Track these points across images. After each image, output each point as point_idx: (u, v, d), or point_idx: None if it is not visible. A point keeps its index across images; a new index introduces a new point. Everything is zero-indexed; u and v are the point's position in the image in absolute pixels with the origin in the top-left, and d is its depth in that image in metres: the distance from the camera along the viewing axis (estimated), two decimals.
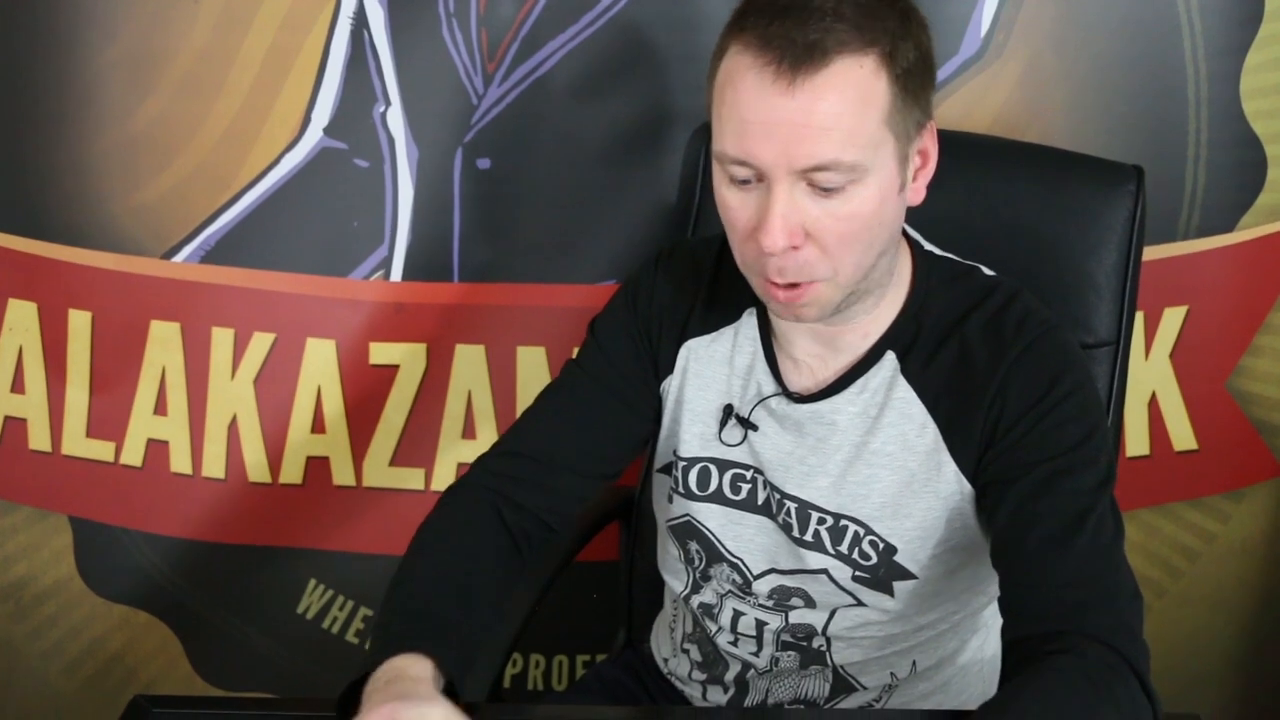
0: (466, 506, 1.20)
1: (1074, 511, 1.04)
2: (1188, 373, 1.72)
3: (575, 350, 1.29)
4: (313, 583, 1.82)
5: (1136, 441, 1.74)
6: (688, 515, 1.25)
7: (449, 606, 1.09)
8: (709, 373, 1.23)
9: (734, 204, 1.07)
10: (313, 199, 1.67)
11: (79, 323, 1.72)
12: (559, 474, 1.22)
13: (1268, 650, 1.88)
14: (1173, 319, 1.70)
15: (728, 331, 1.22)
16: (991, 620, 1.26)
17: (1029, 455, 1.08)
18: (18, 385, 1.76)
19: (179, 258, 1.69)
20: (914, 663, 1.25)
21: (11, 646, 1.86)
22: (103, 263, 1.70)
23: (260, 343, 1.72)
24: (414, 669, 1.01)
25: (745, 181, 1.05)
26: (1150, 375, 1.71)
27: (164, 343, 1.72)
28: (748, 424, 1.20)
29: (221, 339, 1.72)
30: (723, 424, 1.22)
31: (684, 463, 1.24)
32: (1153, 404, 1.73)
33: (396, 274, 1.69)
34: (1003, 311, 1.13)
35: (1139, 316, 1.52)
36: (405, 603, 1.10)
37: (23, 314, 1.73)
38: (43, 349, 1.74)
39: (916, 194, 1.11)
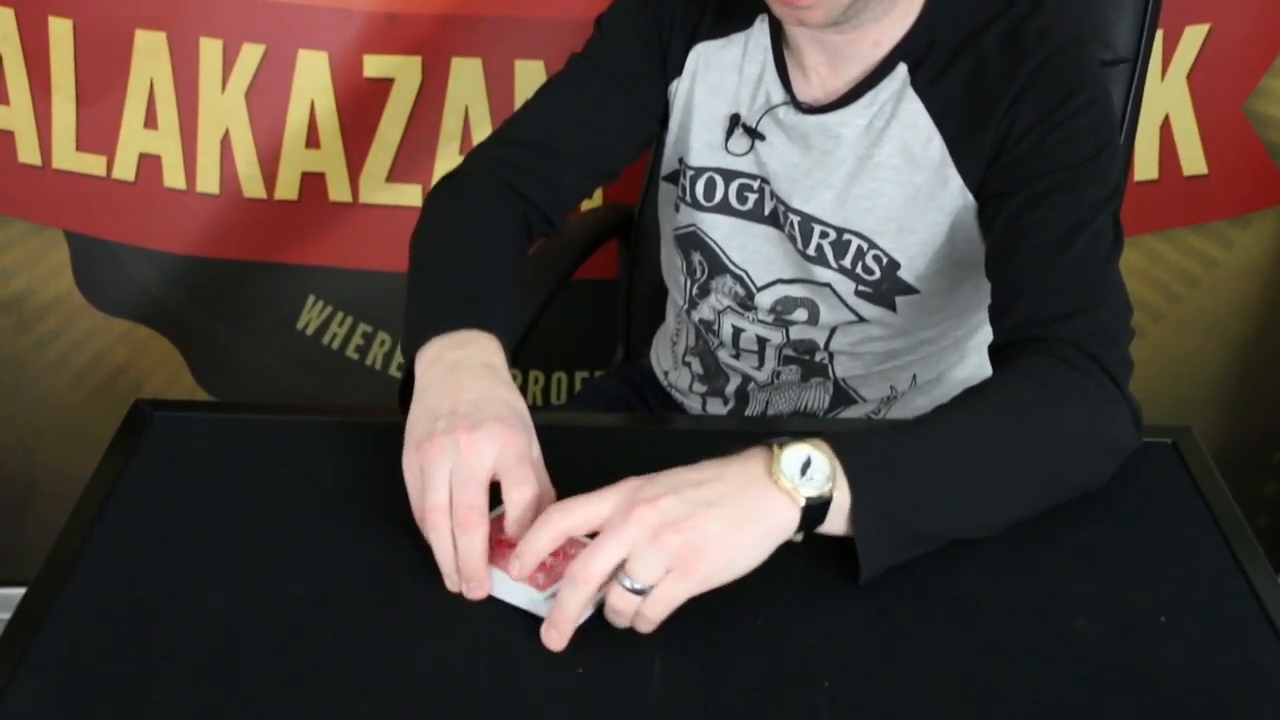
0: (479, 190, 1.16)
1: (1070, 224, 1.02)
2: (1204, 94, 1.68)
3: None
4: (311, 298, 1.82)
5: (1145, 165, 1.71)
6: (693, 225, 1.23)
7: (490, 287, 1.06)
8: (717, 79, 1.19)
9: None
10: None
11: (60, 30, 1.66)
12: (563, 166, 1.19)
13: (1260, 373, 1.91)
14: (1193, 38, 1.64)
15: (739, 38, 1.18)
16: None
17: (1033, 168, 1.05)
18: (1, 96, 1.71)
19: None
20: (914, 376, 1.26)
21: (16, 359, 1.88)
22: None
23: (250, 54, 1.66)
24: (487, 344, 0.97)
25: None
26: (1165, 96, 1.67)
27: (150, 53, 1.66)
28: (754, 133, 1.17)
29: (210, 50, 1.66)
30: (729, 133, 1.19)
31: (691, 171, 1.21)
32: (1165, 126, 1.70)
33: None
34: (1023, 22, 1.08)
35: (1158, 35, 1.46)
36: (446, 277, 1.06)
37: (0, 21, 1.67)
38: (24, 58, 1.68)
39: None
